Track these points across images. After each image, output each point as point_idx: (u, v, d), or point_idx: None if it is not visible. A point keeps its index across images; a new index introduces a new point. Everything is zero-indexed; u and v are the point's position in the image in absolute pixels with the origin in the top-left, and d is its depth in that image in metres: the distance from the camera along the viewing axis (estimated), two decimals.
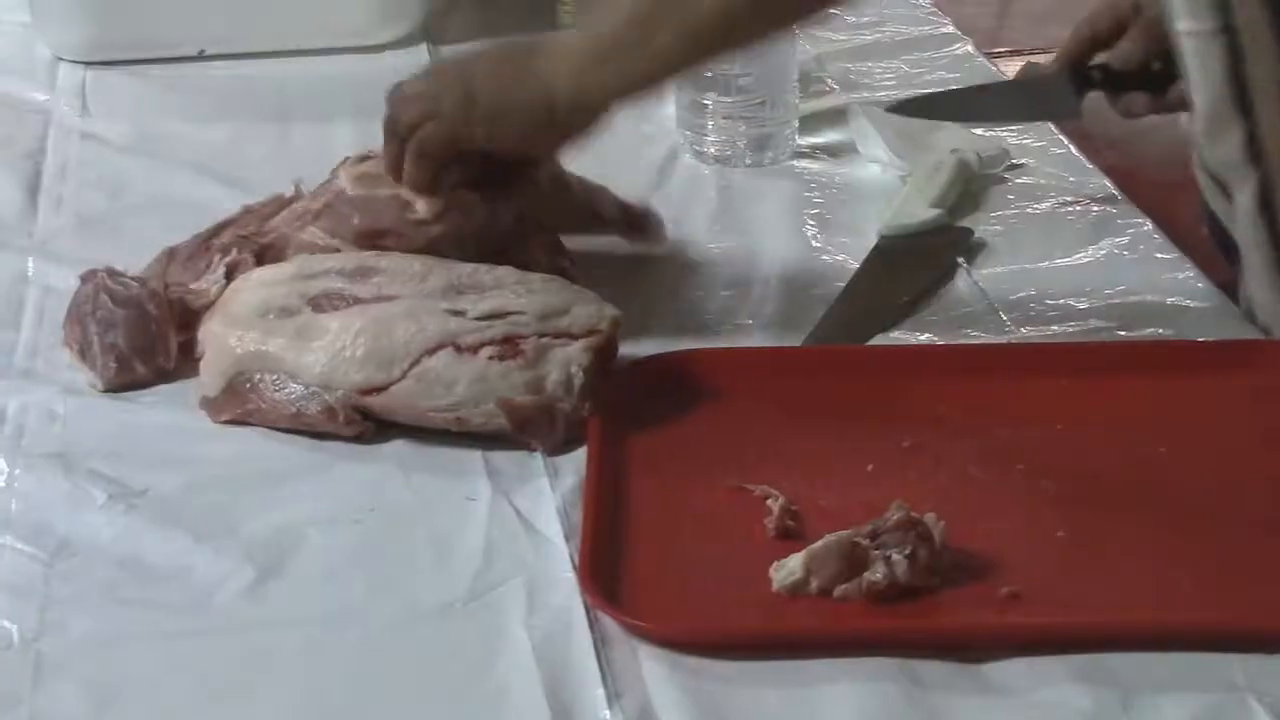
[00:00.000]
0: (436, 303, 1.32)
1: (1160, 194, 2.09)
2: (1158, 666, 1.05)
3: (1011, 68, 2.44)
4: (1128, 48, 1.60)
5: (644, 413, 1.30)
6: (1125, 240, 1.59)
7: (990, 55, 2.47)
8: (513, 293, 1.33)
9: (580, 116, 1.37)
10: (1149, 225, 1.61)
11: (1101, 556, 1.15)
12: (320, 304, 1.34)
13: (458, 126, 1.38)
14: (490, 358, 1.29)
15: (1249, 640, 1.05)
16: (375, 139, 1.79)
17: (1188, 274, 1.52)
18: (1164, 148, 2.16)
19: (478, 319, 1.31)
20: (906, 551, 1.12)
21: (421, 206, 1.42)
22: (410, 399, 1.29)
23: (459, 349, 1.29)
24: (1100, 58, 1.63)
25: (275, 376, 1.31)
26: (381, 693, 1.07)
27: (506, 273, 1.36)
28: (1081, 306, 1.47)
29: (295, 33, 2.01)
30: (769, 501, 1.20)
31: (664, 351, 1.37)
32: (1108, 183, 1.70)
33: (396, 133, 1.42)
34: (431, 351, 1.29)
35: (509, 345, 1.29)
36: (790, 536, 1.17)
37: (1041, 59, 2.52)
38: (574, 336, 1.31)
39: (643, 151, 1.78)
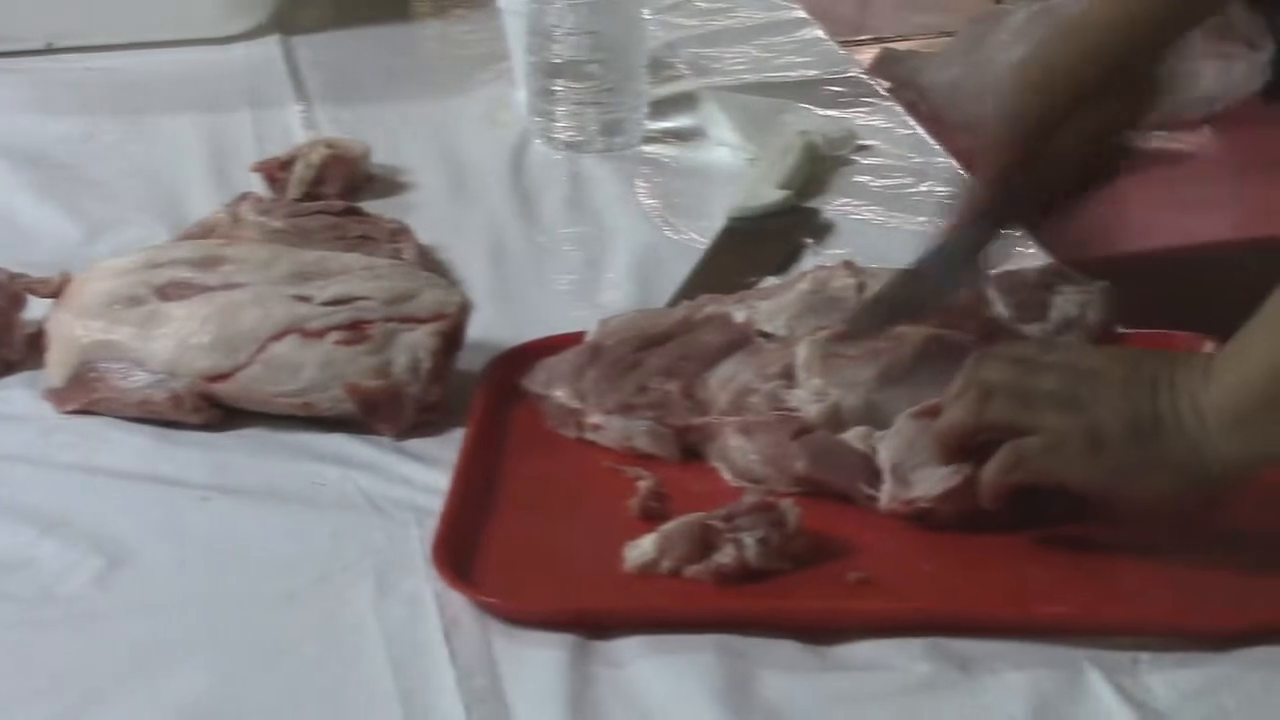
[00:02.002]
0: (283, 289, 1.32)
1: None
2: (1002, 647, 1.06)
3: (871, 55, 2.47)
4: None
5: (525, 395, 1.31)
6: None
7: (852, 43, 2.50)
8: (360, 278, 1.33)
9: (1229, 479, 1.09)
10: None
11: (953, 544, 1.16)
12: (167, 293, 1.33)
13: (1068, 454, 1.11)
14: (337, 343, 1.29)
15: (1092, 630, 1.07)
16: (227, 131, 1.80)
17: (1030, 250, 1.53)
18: None
19: (324, 304, 1.31)
20: (759, 535, 1.13)
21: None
22: (257, 385, 1.28)
23: (305, 334, 1.29)
24: None
25: (122, 365, 1.31)
26: (229, 680, 1.06)
27: (354, 259, 1.37)
28: None
29: (144, 25, 2.00)
30: (639, 483, 1.21)
31: (543, 336, 1.37)
32: (954, 163, 1.72)
33: (973, 422, 1.15)
34: (278, 337, 1.29)
35: (356, 330, 1.29)
36: (653, 517, 1.17)
37: (901, 46, 2.56)
38: (421, 321, 1.31)
39: (494, 138, 1.79)
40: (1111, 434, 1.09)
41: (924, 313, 1.28)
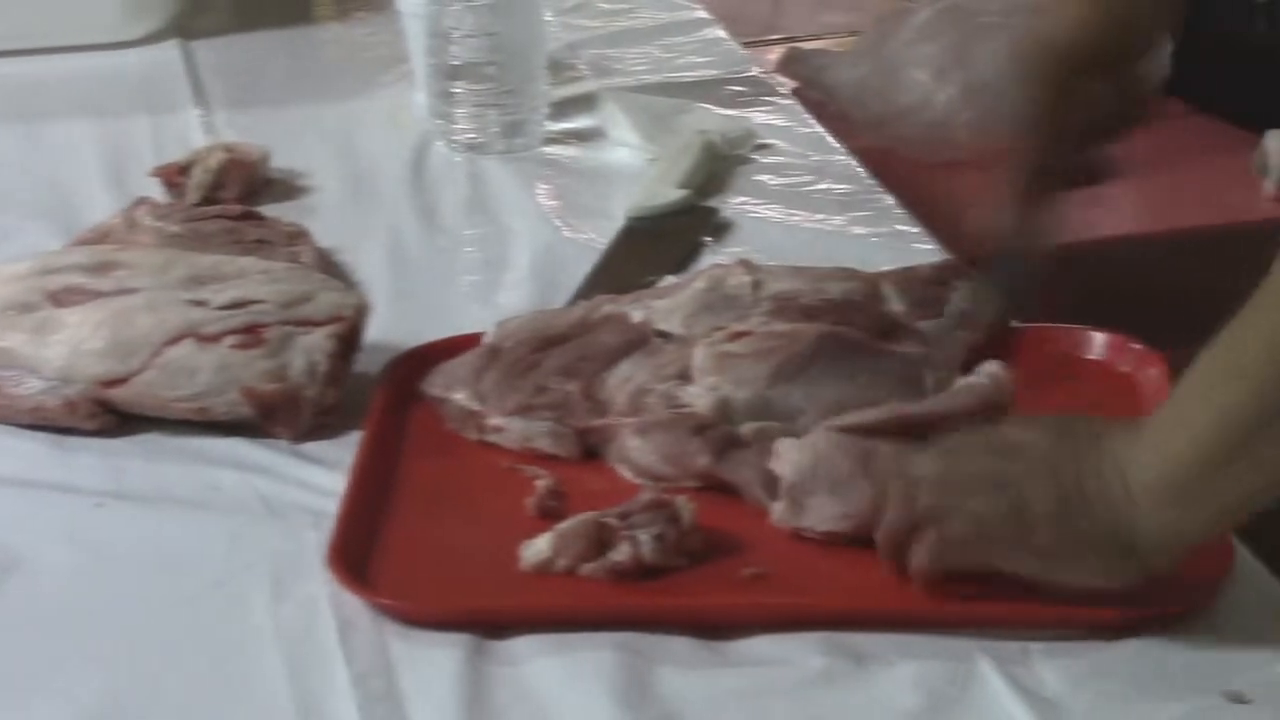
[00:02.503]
0: (178, 294, 1.31)
1: (917, 172, 2.14)
2: (895, 640, 1.07)
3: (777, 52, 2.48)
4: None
5: (424, 397, 1.31)
6: (868, 215, 1.62)
7: (763, 43, 2.51)
8: (255, 281, 1.33)
9: (1165, 555, 1.04)
10: (891, 201, 1.64)
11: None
12: (61, 298, 1.33)
13: (993, 540, 1.06)
14: (233, 347, 1.28)
15: (982, 623, 1.08)
16: (125, 136, 1.80)
17: (927, 247, 1.55)
18: (922, 130, 2.21)
19: (220, 309, 1.30)
20: (654, 532, 1.13)
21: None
22: (152, 390, 1.28)
23: (201, 339, 1.29)
24: None
25: (14, 372, 1.30)
26: (123, 685, 1.06)
27: (250, 263, 1.36)
28: None
29: (41, 30, 1.99)
30: (537, 482, 1.21)
31: (443, 338, 1.37)
32: (853, 161, 1.73)
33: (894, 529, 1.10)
34: (173, 342, 1.28)
35: (251, 334, 1.29)
36: (551, 516, 1.18)
37: (810, 45, 2.57)
38: (317, 324, 1.31)
39: (394, 141, 1.79)
40: (1038, 515, 1.04)
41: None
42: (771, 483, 1.17)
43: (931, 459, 1.10)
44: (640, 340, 1.31)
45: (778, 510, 1.16)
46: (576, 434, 1.26)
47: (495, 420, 1.27)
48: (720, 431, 1.21)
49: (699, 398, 1.23)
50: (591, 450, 1.26)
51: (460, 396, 1.28)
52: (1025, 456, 1.06)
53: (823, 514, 1.15)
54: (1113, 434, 1.04)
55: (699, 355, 1.26)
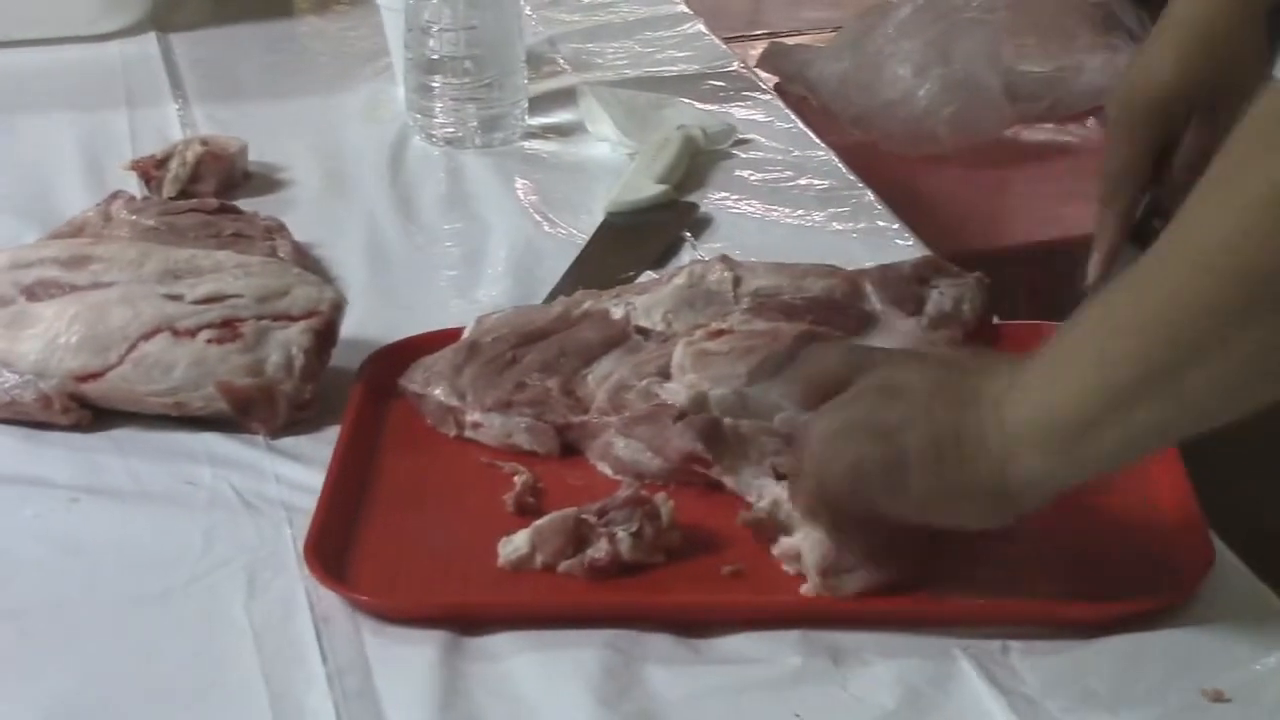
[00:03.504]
0: (153, 288, 1.31)
1: (898, 168, 2.14)
2: (874, 638, 1.07)
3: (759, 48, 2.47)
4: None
5: (402, 392, 1.30)
6: (847, 210, 1.61)
7: (745, 38, 2.50)
8: (231, 276, 1.32)
9: (1034, 499, 1.04)
10: (871, 196, 1.64)
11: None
12: (35, 293, 1.32)
13: (872, 484, 1.06)
14: (209, 341, 1.28)
15: (960, 622, 1.07)
16: (102, 129, 1.79)
17: (908, 243, 1.54)
18: (904, 124, 2.20)
19: (195, 303, 1.30)
20: (632, 528, 1.12)
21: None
22: (128, 384, 1.27)
23: (176, 333, 1.28)
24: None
25: None
26: (97, 682, 1.05)
27: (226, 257, 1.35)
28: None
29: (19, 22, 1.98)
30: (515, 478, 1.20)
31: (418, 333, 1.36)
32: (833, 156, 1.73)
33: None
34: (148, 336, 1.28)
35: (227, 328, 1.28)
36: (529, 513, 1.17)
37: (792, 40, 2.57)
38: (294, 318, 1.30)
39: (373, 135, 1.78)
40: (914, 460, 1.03)
41: None
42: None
43: (831, 409, 1.09)
44: (621, 337, 1.30)
45: (812, 586, 1.11)
46: (555, 430, 1.25)
47: (474, 416, 1.26)
48: (703, 416, 1.21)
49: (677, 394, 1.22)
50: (571, 446, 1.25)
51: (439, 392, 1.27)
52: (906, 400, 1.05)
53: (861, 582, 1.11)
54: (992, 377, 1.04)
55: (678, 353, 1.25)
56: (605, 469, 1.23)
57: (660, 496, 1.15)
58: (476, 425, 1.26)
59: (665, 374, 1.25)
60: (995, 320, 1.37)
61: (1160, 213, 1.25)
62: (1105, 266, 1.23)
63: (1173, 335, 0.95)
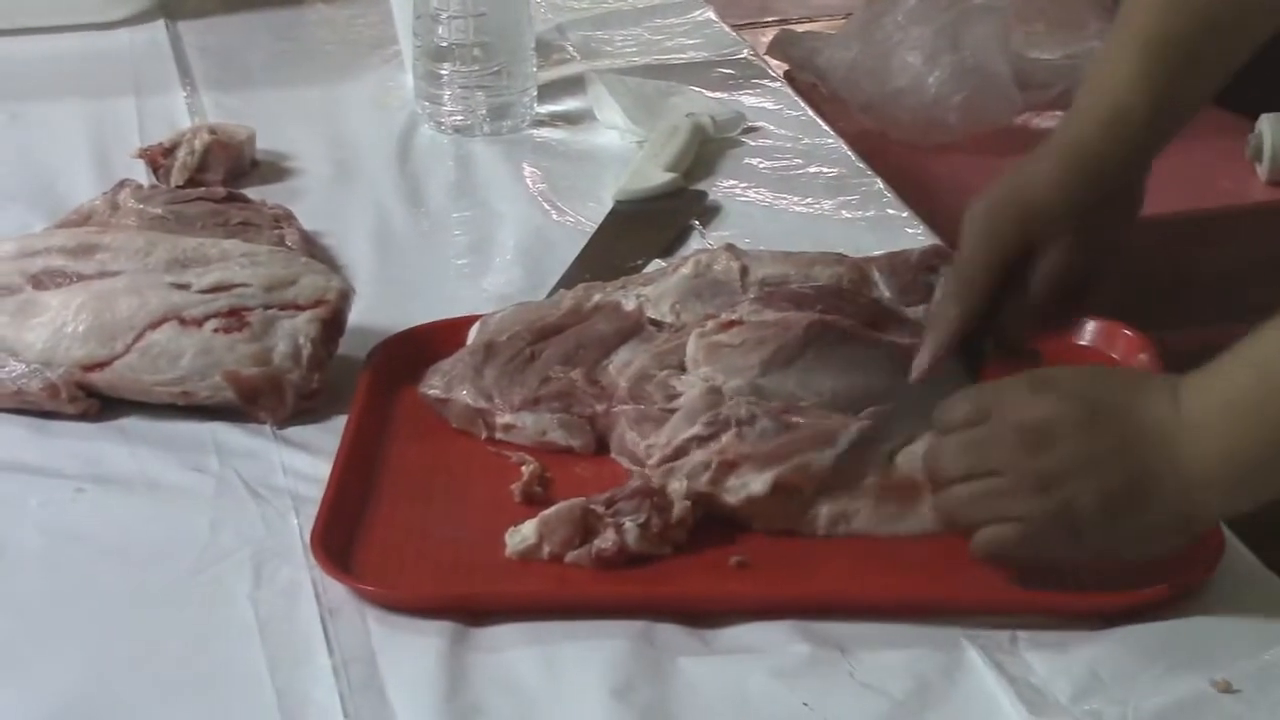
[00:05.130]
0: (161, 277, 1.30)
1: (907, 156, 2.14)
2: (882, 628, 1.07)
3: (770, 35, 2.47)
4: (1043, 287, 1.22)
5: (410, 381, 1.30)
6: (856, 199, 1.61)
7: (756, 25, 2.50)
8: (238, 265, 1.32)
9: (1209, 527, 1.07)
10: (880, 185, 1.63)
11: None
12: (42, 281, 1.32)
13: (1045, 542, 1.06)
14: (216, 330, 1.28)
15: (967, 611, 1.07)
16: (110, 117, 1.79)
17: (917, 231, 1.54)
18: (913, 112, 2.20)
19: (202, 292, 1.29)
20: (639, 519, 1.12)
21: None
22: (135, 374, 1.27)
23: (183, 322, 1.28)
24: None
25: None
26: (103, 673, 1.05)
27: (233, 245, 1.35)
28: None
29: (28, 10, 1.98)
30: (523, 468, 1.20)
31: (426, 322, 1.36)
32: (842, 144, 1.72)
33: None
34: (155, 325, 1.27)
35: (235, 317, 1.28)
36: (536, 503, 1.17)
37: (803, 28, 2.56)
38: (301, 308, 1.30)
39: (382, 123, 1.78)
40: (1086, 512, 1.03)
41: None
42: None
43: (956, 458, 1.08)
44: (635, 328, 1.30)
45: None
46: (589, 423, 1.24)
47: (506, 418, 1.25)
48: None
49: (693, 387, 1.22)
50: (604, 442, 1.24)
51: (465, 395, 1.27)
52: (1057, 440, 1.04)
53: None
54: (1150, 408, 1.03)
55: (691, 345, 1.25)
56: (623, 461, 1.22)
57: (677, 494, 1.14)
58: (509, 427, 1.25)
59: (682, 366, 1.25)
60: None
61: (996, 333, 1.22)
62: (933, 362, 1.20)
63: None
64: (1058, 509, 1.04)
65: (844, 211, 1.59)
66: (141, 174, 1.63)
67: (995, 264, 1.19)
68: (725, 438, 1.17)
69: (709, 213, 1.58)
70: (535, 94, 1.77)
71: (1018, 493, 1.05)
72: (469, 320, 1.34)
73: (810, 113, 1.80)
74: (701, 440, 1.17)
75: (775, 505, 1.15)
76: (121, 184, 1.54)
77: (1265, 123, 2.10)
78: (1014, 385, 1.10)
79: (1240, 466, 1.01)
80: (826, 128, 1.76)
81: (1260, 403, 1.00)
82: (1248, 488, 1.02)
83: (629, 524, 1.12)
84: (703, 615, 1.08)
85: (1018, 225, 1.20)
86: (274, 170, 1.69)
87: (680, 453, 1.17)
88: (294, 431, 1.27)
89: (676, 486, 1.15)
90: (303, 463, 1.23)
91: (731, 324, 1.26)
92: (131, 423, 1.28)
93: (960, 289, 1.20)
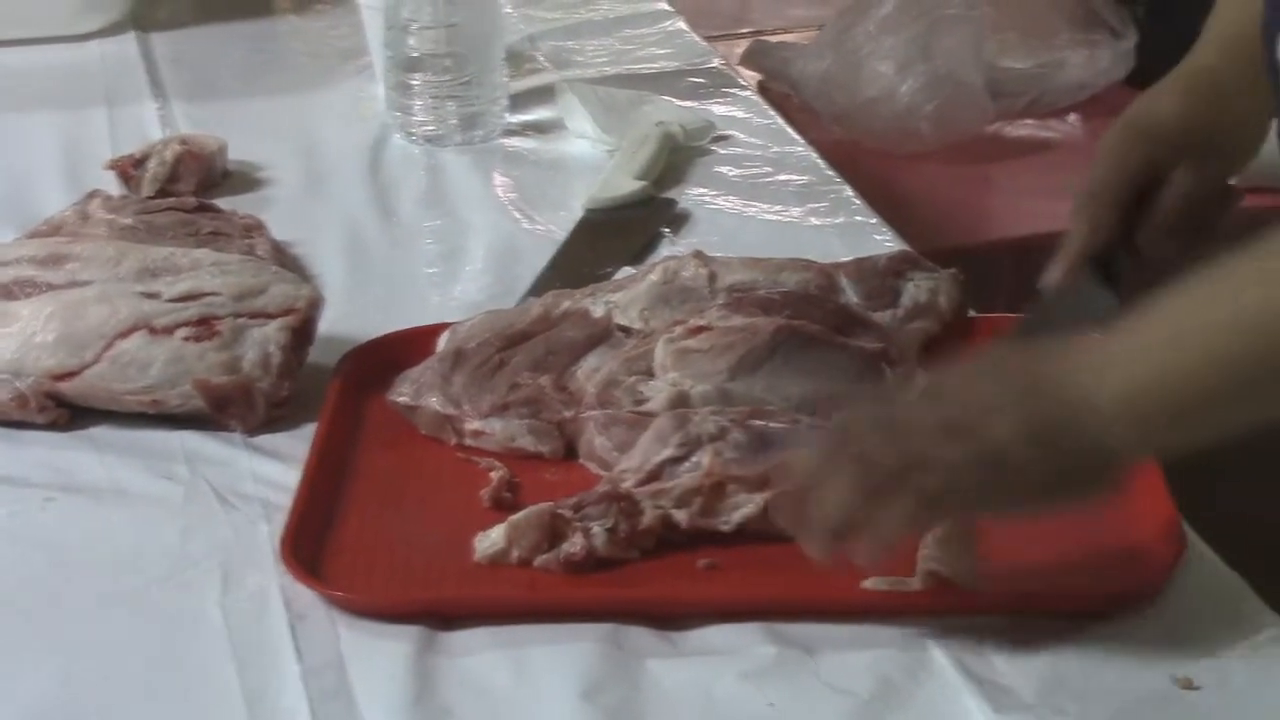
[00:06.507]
0: (130, 286, 1.31)
1: (881, 165, 2.15)
2: (848, 629, 1.07)
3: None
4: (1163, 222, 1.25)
5: (380, 388, 1.30)
6: (826, 206, 1.62)
7: (731, 36, 2.51)
8: (208, 274, 1.32)
9: (1127, 471, 1.04)
10: (849, 192, 1.64)
11: None
12: (11, 291, 1.32)
13: (974, 488, 1.03)
14: (185, 339, 1.28)
15: (932, 612, 1.08)
16: (82, 129, 1.79)
17: (885, 238, 1.55)
18: (886, 122, 2.21)
19: (172, 301, 1.30)
20: (607, 524, 1.13)
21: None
22: (104, 383, 1.27)
23: (153, 331, 1.28)
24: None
25: None
26: (72, 681, 1.05)
27: (203, 254, 1.36)
28: None
29: None
30: (491, 473, 1.20)
31: (396, 330, 1.37)
32: (811, 152, 1.73)
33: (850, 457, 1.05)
34: (125, 334, 1.28)
35: (204, 326, 1.28)
36: (505, 508, 1.17)
37: (776, 39, 2.57)
38: (271, 316, 1.30)
39: (353, 133, 1.78)
40: (1012, 449, 1.01)
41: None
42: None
43: (872, 418, 1.06)
44: (603, 334, 1.30)
45: None
46: (557, 429, 1.25)
47: (474, 424, 1.25)
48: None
49: (660, 392, 1.23)
50: (573, 447, 1.25)
51: (434, 402, 1.27)
52: (965, 395, 1.04)
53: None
54: (1066, 357, 1.03)
55: (659, 351, 1.25)
56: (592, 466, 1.23)
57: (648, 503, 1.14)
58: (478, 434, 1.26)
59: (650, 371, 1.25)
60: (971, 313, 1.37)
61: (1129, 248, 1.24)
62: (1067, 273, 1.22)
63: None
64: (980, 449, 1.01)
65: (813, 218, 1.60)
66: (113, 185, 1.63)
67: (1123, 183, 1.23)
68: (703, 458, 1.16)
69: (679, 220, 1.59)
70: (506, 104, 1.78)
71: (936, 439, 1.03)
72: (439, 328, 1.35)
73: (780, 121, 1.80)
74: (675, 461, 1.17)
75: (766, 520, 1.15)
76: (92, 194, 1.54)
77: None
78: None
79: (1149, 397, 1.00)
80: (796, 136, 1.77)
81: (1170, 337, 1.00)
82: (1161, 423, 1.01)
83: (597, 529, 1.13)
84: (670, 618, 1.08)
85: (1143, 147, 1.23)
86: (245, 180, 1.69)
87: (654, 476, 1.17)
88: (264, 439, 1.27)
89: (670, 514, 1.15)
90: (272, 470, 1.24)
91: (699, 329, 1.26)
92: (101, 431, 1.28)
93: (1088, 204, 1.23)
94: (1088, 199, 1.24)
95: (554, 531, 1.13)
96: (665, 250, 1.53)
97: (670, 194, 1.64)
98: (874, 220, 1.59)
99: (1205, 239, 1.28)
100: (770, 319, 1.27)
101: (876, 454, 1.04)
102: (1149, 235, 1.24)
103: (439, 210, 1.64)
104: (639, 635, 1.07)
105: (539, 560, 1.12)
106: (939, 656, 1.04)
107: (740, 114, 1.81)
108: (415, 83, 1.73)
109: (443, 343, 1.33)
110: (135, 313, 1.29)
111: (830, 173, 1.69)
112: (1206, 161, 1.24)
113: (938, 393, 1.06)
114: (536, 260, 1.52)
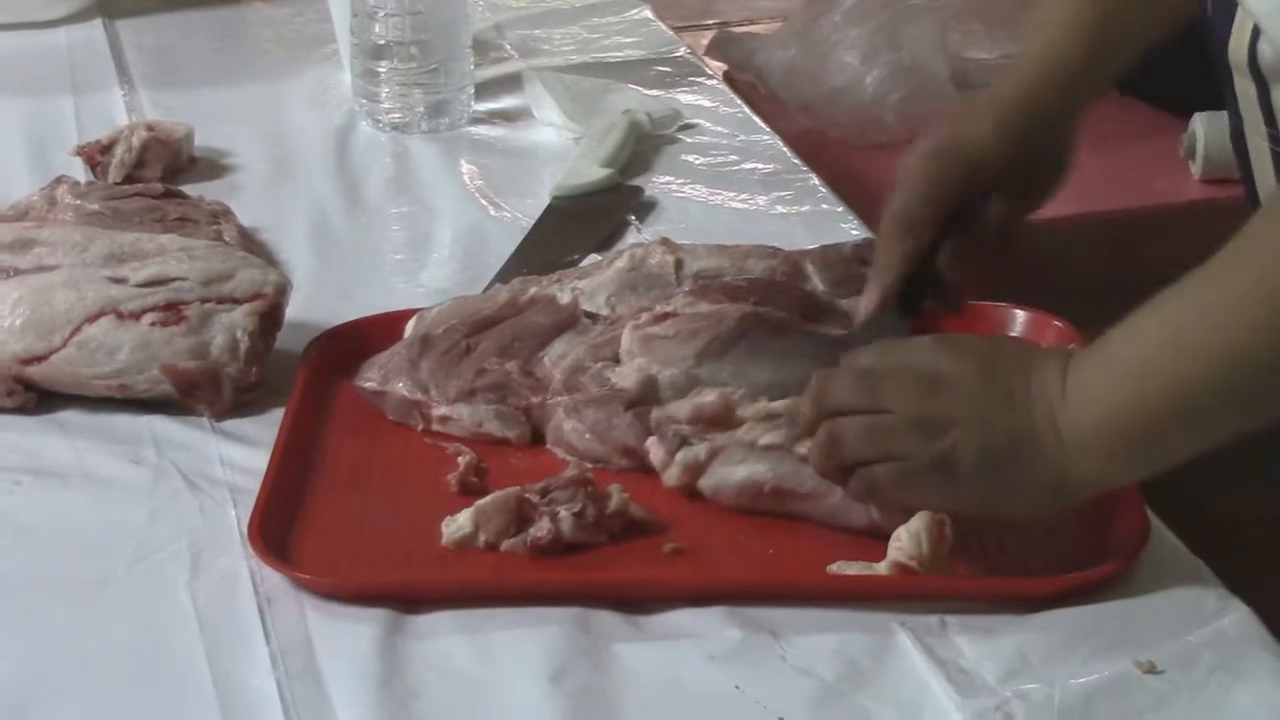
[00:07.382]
0: (98, 271, 1.31)
1: (846, 155, 2.16)
2: (814, 613, 1.08)
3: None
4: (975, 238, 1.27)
5: (347, 374, 1.31)
6: (791, 194, 1.63)
7: (698, 27, 2.52)
8: (176, 259, 1.32)
9: (1089, 495, 1.07)
10: (815, 180, 1.65)
11: (764, 516, 1.17)
12: None
13: (922, 485, 1.07)
14: (153, 324, 1.28)
15: (897, 596, 1.08)
16: (48, 115, 1.79)
17: (850, 226, 1.55)
18: (851, 112, 2.22)
19: (140, 286, 1.30)
20: (575, 509, 1.13)
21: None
22: (72, 367, 1.27)
23: (120, 316, 1.28)
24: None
25: None
26: (38, 664, 1.05)
27: (170, 240, 1.36)
28: None
29: None
30: (459, 458, 1.21)
31: (364, 316, 1.37)
32: (778, 141, 1.74)
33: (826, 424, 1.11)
34: (92, 319, 1.28)
35: (172, 311, 1.29)
36: (472, 492, 1.18)
37: (742, 29, 2.58)
38: (238, 301, 1.30)
39: (320, 120, 1.79)
40: (967, 461, 1.05)
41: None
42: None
43: (848, 388, 1.10)
44: (570, 320, 1.31)
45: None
46: (524, 414, 1.25)
47: (442, 410, 1.26)
48: (648, 410, 1.21)
49: (627, 378, 1.23)
50: (540, 432, 1.25)
51: (401, 387, 1.27)
52: (950, 390, 1.06)
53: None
54: (1040, 374, 1.05)
55: (626, 337, 1.26)
56: (560, 453, 1.23)
57: (615, 487, 1.15)
58: (445, 419, 1.26)
59: (617, 357, 1.26)
60: None
61: (933, 282, 1.25)
62: (882, 301, 1.23)
63: (1258, 361, 0.98)
64: (940, 455, 1.06)
65: (779, 206, 1.61)
66: (79, 171, 1.63)
67: (937, 212, 1.23)
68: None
69: (645, 208, 1.60)
70: (473, 91, 1.78)
71: (904, 432, 1.07)
72: (406, 314, 1.35)
73: (746, 110, 1.81)
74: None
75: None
76: (59, 180, 1.54)
77: (1198, 121, 2.13)
78: (918, 340, 1.14)
79: (1114, 436, 1.02)
80: (762, 124, 1.78)
81: (1137, 373, 1.02)
82: (1122, 459, 1.04)
83: (564, 513, 1.13)
84: (637, 602, 1.09)
85: (957, 176, 1.23)
86: (212, 167, 1.69)
87: None
88: (232, 424, 1.28)
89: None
90: (240, 455, 1.24)
91: (666, 316, 1.27)
92: (69, 416, 1.28)
93: (904, 230, 1.23)
94: (900, 227, 1.24)
95: (521, 516, 1.14)
96: (632, 237, 1.54)
97: (637, 182, 1.64)
98: (840, 209, 1.60)
99: (1002, 266, 1.31)
100: (737, 305, 1.27)
101: (846, 431, 1.09)
102: (951, 263, 1.25)
103: (406, 197, 1.65)
104: (606, 619, 1.08)
105: (506, 544, 1.13)
106: (904, 640, 1.05)
107: (707, 103, 1.81)
108: (382, 70, 1.74)
109: (410, 328, 1.33)
110: (103, 298, 1.29)
111: (796, 161, 1.69)
112: (1018, 193, 1.25)
113: (914, 373, 1.08)
114: (503, 247, 1.53)
